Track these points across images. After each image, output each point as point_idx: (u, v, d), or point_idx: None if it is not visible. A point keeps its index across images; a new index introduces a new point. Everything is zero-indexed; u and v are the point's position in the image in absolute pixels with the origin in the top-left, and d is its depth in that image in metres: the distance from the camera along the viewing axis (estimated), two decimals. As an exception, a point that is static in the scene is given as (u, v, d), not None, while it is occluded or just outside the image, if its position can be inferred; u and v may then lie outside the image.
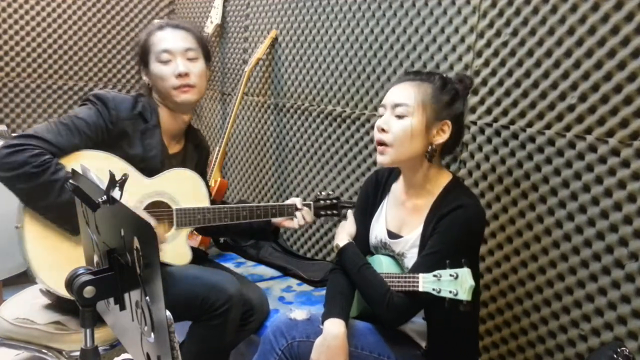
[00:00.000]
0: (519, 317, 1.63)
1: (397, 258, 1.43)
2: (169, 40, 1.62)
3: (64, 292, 1.43)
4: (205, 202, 1.69)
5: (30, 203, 1.44)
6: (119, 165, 1.53)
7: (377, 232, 1.48)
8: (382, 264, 1.42)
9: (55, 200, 1.41)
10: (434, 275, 1.20)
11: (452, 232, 1.29)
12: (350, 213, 1.58)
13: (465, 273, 1.15)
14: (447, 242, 1.29)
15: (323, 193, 1.86)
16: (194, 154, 1.79)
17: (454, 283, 1.16)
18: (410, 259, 1.37)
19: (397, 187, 1.48)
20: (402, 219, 1.44)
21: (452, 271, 1.17)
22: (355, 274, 1.39)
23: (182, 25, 1.67)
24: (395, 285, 1.31)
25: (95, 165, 1.46)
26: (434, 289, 1.19)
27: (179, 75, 1.60)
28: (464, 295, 1.14)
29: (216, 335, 1.58)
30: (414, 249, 1.37)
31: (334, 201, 1.84)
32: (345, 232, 1.51)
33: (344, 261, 1.44)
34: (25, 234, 1.44)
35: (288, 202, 1.78)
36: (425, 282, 1.22)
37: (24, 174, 1.37)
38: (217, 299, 1.56)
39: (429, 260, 1.29)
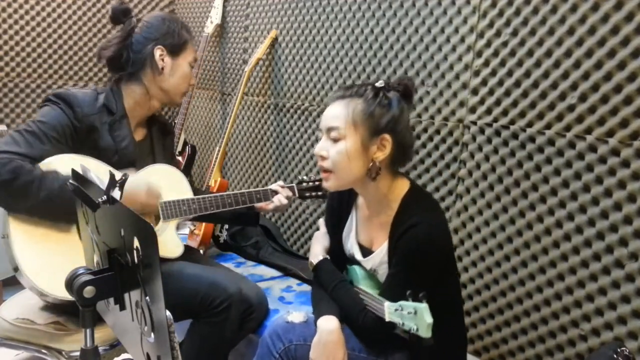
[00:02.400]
0: (519, 317, 1.63)
1: (372, 273, 1.41)
2: (195, 52, 1.75)
3: (59, 294, 1.44)
4: (188, 194, 1.72)
5: (15, 209, 1.44)
6: (93, 165, 1.53)
7: (349, 246, 1.46)
8: (357, 276, 1.41)
9: (36, 199, 1.40)
10: (396, 309, 1.16)
11: (408, 257, 1.25)
12: (322, 223, 1.56)
13: (422, 310, 1.10)
14: (405, 266, 1.26)
15: (306, 177, 1.89)
16: (159, 138, 1.79)
17: (414, 319, 1.12)
18: (383, 274, 1.35)
19: (362, 201, 1.43)
20: (370, 234, 1.41)
21: (412, 307, 1.12)
22: (331, 292, 1.39)
23: None
24: (367, 304, 1.30)
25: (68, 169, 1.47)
26: (397, 322, 1.16)
27: (191, 84, 1.74)
28: (424, 332, 1.09)
29: (216, 333, 1.59)
30: (383, 265, 1.35)
31: (317, 183, 1.87)
32: (319, 247, 1.49)
33: (320, 279, 1.45)
34: (12, 242, 1.43)
35: (271, 186, 1.82)
36: (390, 313, 1.18)
37: (0, 183, 1.37)
38: (218, 296, 1.56)
39: (393, 283, 1.27)
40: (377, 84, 1.30)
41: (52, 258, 1.46)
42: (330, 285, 1.40)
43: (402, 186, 1.34)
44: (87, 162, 1.53)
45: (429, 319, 1.09)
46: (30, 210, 1.45)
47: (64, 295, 1.44)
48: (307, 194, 1.87)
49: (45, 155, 1.47)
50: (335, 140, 1.27)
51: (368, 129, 1.26)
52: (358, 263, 1.45)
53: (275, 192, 1.80)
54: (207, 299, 1.55)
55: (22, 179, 1.39)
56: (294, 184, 1.86)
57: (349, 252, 1.47)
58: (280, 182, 1.83)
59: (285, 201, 1.79)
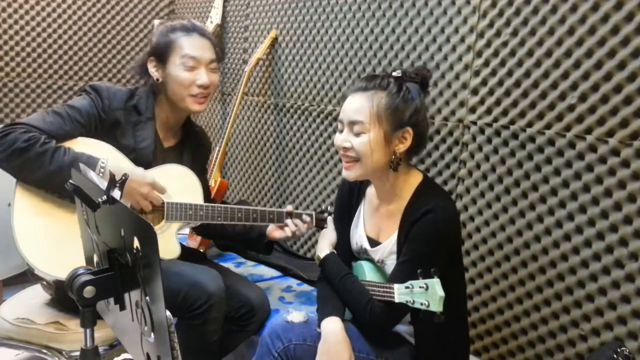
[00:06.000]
0: (519, 317, 1.63)
1: (379, 265, 1.41)
2: (198, 49, 1.63)
3: (46, 270, 1.44)
4: (199, 201, 1.69)
5: (25, 178, 1.47)
6: (112, 155, 1.55)
7: (357, 238, 1.46)
8: (364, 271, 1.41)
9: (46, 170, 1.43)
10: (406, 287, 1.18)
11: (424, 239, 1.27)
12: (330, 220, 1.56)
13: (434, 284, 1.12)
14: (419, 250, 1.27)
15: (330, 208, 1.77)
16: (191, 149, 1.78)
17: (425, 295, 1.14)
18: (391, 265, 1.36)
19: (371, 192, 1.45)
20: (379, 225, 1.42)
21: (422, 282, 1.14)
22: (337, 285, 1.39)
23: (208, 34, 1.70)
24: (375, 294, 1.30)
25: (89, 152, 1.50)
26: (407, 301, 1.18)
27: (201, 86, 1.62)
28: (435, 306, 1.12)
29: (197, 336, 1.56)
30: (392, 255, 1.36)
31: None
32: (326, 242, 1.49)
33: (326, 272, 1.44)
34: (14, 211, 1.46)
35: (287, 208, 1.73)
36: (400, 294, 1.20)
37: (15, 150, 1.41)
38: (198, 297, 1.52)
39: (403, 269, 1.27)
40: (394, 74, 1.31)
41: (49, 234, 1.48)
42: (337, 277, 1.39)
43: (416, 177, 1.36)
44: (111, 152, 1.56)
45: (440, 292, 1.11)
46: (39, 182, 1.47)
47: (50, 272, 1.45)
48: (325, 226, 1.75)
49: (64, 135, 1.51)
50: (358, 134, 1.28)
51: (392, 123, 1.27)
52: (365, 256, 1.45)
53: (290, 215, 1.71)
54: (188, 300, 1.52)
55: (35, 149, 1.42)
56: (312, 213, 1.75)
57: (356, 244, 1.47)
58: (290, 208, 1.73)
59: (302, 229, 1.70)
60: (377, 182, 1.39)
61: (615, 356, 1.24)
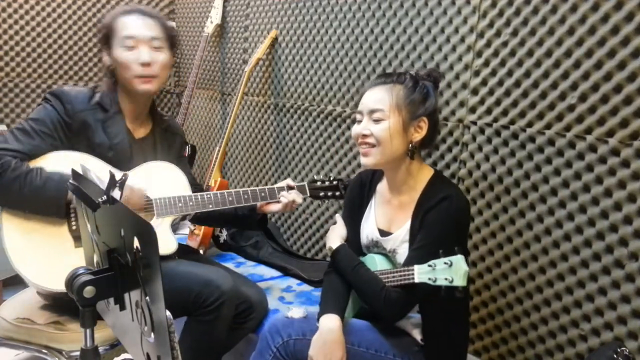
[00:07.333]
0: (519, 317, 1.63)
1: (390, 255, 1.45)
2: (135, 27, 1.60)
3: (44, 284, 1.46)
4: (186, 192, 1.70)
5: (4, 203, 1.48)
6: (92, 161, 1.55)
7: (368, 231, 1.50)
8: (375, 262, 1.44)
9: (21, 195, 1.44)
10: (429, 265, 1.22)
11: (440, 225, 1.32)
12: (339, 217, 1.59)
13: (459, 259, 1.18)
14: (436, 235, 1.31)
15: (318, 176, 1.85)
16: (164, 137, 1.77)
17: (449, 270, 1.18)
18: (402, 254, 1.39)
19: (382, 187, 1.51)
20: (390, 217, 1.46)
21: (447, 259, 1.19)
22: (350, 274, 1.41)
23: (149, 12, 1.65)
24: (390, 280, 1.33)
25: (66, 165, 1.49)
26: (429, 279, 1.21)
27: (142, 64, 1.58)
28: (460, 281, 1.17)
29: (208, 331, 1.58)
30: (404, 244, 1.39)
31: (334, 182, 1.82)
32: (336, 234, 1.52)
33: (338, 263, 1.46)
34: (3, 234, 1.47)
35: (279, 184, 1.76)
36: (421, 273, 1.23)
37: None
38: (210, 294, 1.55)
39: (420, 253, 1.30)
40: (414, 74, 1.41)
41: (40, 249, 1.48)
42: (349, 267, 1.42)
43: (429, 170, 1.44)
44: (84, 159, 1.54)
45: (465, 267, 1.17)
46: (18, 206, 1.48)
47: (48, 285, 1.47)
48: (322, 194, 1.81)
49: (35, 150, 1.50)
50: (377, 121, 1.36)
51: (409, 113, 1.36)
52: (376, 250, 1.48)
53: (284, 189, 1.73)
54: (201, 297, 1.54)
55: (7, 176, 1.43)
56: (305, 183, 1.80)
57: (367, 238, 1.50)
58: (289, 181, 1.78)
59: (297, 199, 1.72)
60: (391, 173, 1.44)
61: (615, 356, 1.24)
